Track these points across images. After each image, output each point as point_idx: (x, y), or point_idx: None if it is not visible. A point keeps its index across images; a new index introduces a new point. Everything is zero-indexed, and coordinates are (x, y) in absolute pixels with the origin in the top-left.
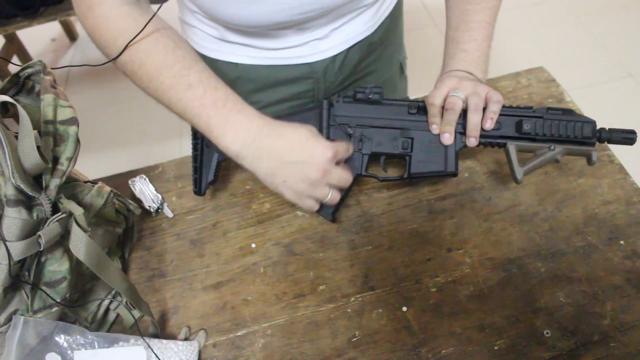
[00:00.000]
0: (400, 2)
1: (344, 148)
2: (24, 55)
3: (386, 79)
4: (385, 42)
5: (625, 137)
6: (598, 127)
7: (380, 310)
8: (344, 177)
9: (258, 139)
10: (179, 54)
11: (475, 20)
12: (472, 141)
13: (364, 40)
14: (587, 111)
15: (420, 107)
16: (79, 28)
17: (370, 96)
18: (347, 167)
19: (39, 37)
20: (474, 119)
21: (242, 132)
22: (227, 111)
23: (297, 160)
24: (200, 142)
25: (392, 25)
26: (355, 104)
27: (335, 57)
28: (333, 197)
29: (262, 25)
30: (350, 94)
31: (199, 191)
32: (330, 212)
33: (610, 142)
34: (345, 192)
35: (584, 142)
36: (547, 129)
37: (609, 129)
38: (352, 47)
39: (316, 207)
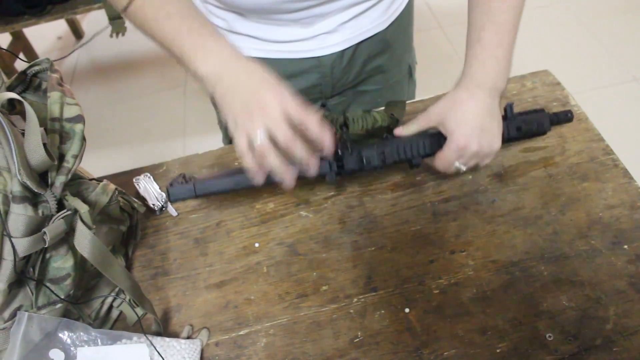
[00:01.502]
0: (411, 3)
1: (302, 113)
2: (31, 53)
3: (395, 81)
4: (395, 42)
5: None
6: None
7: (382, 312)
8: (288, 141)
9: (224, 67)
10: None
11: (502, 21)
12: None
13: (373, 37)
14: (592, 115)
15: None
16: (85, 26)
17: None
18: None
19: (45, 35)
20: (444, 166)
21: (211, 57)
22: (200, 37)
23: (249, 101)
24: None
25: (403, 26)
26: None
27: (343, 52)
28: (271, 158)
29: (267, 7)
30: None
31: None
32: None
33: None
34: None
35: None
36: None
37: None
38: (361, 43)
39: (244, 147)
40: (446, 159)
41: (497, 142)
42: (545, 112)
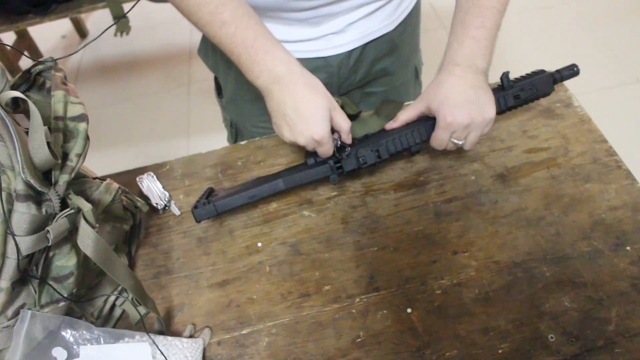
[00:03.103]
0: (419, 5)
1: (328, 146)
2: (35, 52)
3: (400, 82)
4: (402, 43)
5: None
6: None
7: (384, 312)
8: (323, 153)
9: (276, 84)
10: None
11: (487, 5)
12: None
13: (381, 38)
14: (596, 116)
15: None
16: (89, 25)
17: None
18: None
19: (49, 33)
20: (440, 145)
21: (265, 72)
22: (255, 51)
23: (293, 120)
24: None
25: (410, 27)
26: None
27: (350, 52)
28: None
29: (276, 5)
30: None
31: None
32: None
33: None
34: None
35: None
36: None
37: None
38: (368, 44)
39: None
40: (439, 138)
41: (489, 110)
42: (547, 72)
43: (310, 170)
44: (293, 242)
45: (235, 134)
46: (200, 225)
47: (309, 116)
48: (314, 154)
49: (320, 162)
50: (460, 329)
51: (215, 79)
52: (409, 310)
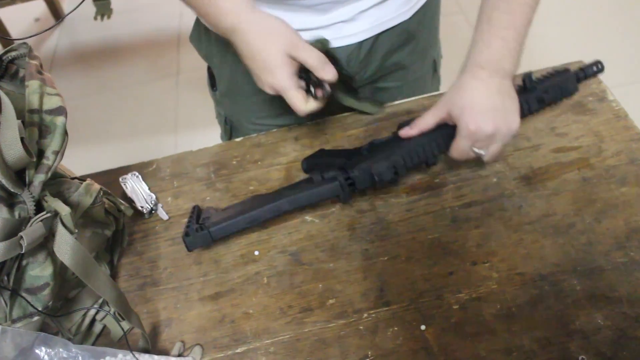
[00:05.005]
0: None
1: (292, 93)
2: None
3: (416, 77)
4: (419, 34)
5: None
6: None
7: (395, 329)
8: (293, 104)
9: (233, 37)
10: None
11: (517, 0)
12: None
13: (395, 28)
14: (633, 111)
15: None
16: (65, 7)
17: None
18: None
19: (21, 16)
20: (461, 155)
21: (220, 25)
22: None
23: (255, 72)
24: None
25: (428, 16)
26: None
27: (361, 43)
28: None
29: None
30: None
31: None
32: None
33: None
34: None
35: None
36: None
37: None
38: (381, 35)
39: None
40: (460, 147)
41: (514, 120)
42: (571, 72)
43: (318, 188)
44: (294, 250)
45: (230, 132)
46: None
47: (265, 66)
48: (319, 169)
49: (328, 178)
50: (480, 348)
51: (209, 69)
52: (422, 327)
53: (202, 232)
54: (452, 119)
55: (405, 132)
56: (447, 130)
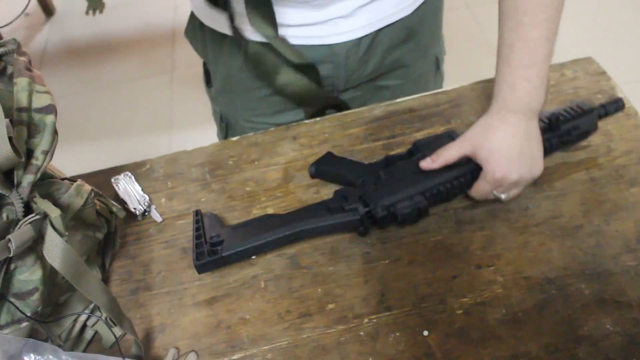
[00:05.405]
0: None
1: None
2: None
3: (418, 75)
4: (421, 30)
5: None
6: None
7: (397, 334)
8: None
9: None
10: None
11: (533, 37)
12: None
13: (395, 24)
14: None
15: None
16: (56, 1)
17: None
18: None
19: (9, 11)
20: (482, 195)
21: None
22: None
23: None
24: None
25: (431, 11)
26: None
27: (360, 40)
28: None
29: None
30: None
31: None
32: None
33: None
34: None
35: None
36: None
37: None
38: (381, 31)
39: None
40: (482, 191)
41: (538, 167)
42: (594, 110)
43: (338, 221)
44: (292, 253)
45: (226, 130)
46: (186, 233)
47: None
48: (328, 178)
49: (349, 209)
50: (484, 355)
51: (204, 65)
52: (425, 332)
53: (215, 256)
54: (476, 158)
55: (427, 165)
56: (469, 168)
